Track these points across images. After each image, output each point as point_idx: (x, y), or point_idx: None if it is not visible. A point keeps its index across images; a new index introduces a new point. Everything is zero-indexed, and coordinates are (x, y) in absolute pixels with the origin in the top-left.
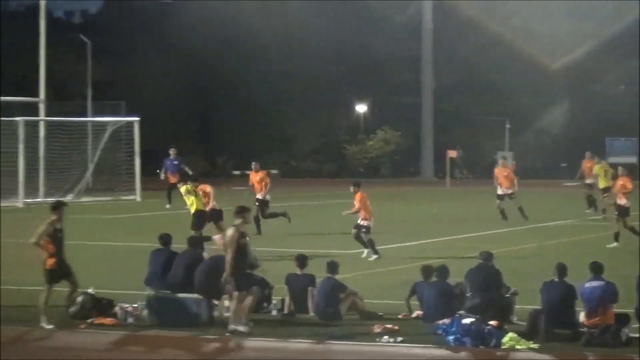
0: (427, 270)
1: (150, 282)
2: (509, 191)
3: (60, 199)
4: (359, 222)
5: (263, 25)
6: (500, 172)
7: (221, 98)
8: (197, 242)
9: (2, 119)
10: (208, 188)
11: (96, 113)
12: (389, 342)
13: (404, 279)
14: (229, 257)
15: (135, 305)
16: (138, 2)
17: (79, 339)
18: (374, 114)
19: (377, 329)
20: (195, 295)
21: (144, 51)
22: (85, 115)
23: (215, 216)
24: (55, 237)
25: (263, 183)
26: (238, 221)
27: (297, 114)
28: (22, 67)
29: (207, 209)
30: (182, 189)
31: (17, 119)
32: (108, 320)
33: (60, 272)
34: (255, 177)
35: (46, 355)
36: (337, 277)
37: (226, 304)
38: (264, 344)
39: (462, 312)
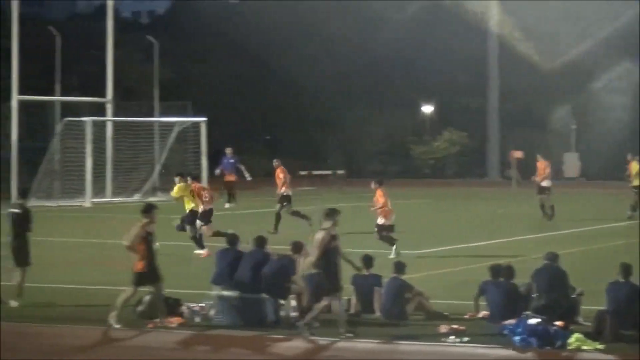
0: (495, 270)
1: (218, 281)
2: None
3: (127, 198)
4: (377, 221)
5: (329, 26)
6: (540, 165)
7: (287, 98)
8: (263, 242)
9: (70, 119)
10: (203, 190)
11: (163, 113)
12: (455, 342)
13: (470, 279)
14: (311, 259)
15: (203, 304)
16: (205, 2)
17: (147, 338)
18: (439, 114)
19: (443, 329)
20: (262, 295)
21: (210, 52)
22: (152, 116)
23: (205, 217)
24: (147, 240)
25: (283, 179)
26: (328, 224)
27: (363, 115)
28: (90, 67)
29: (204, 208)
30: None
31: (85, 119)
32: (175, 320)
33: (148, 276)
34: (277, 173)
35: (114, 354)
36: (404, 277)
37: (292, 304)
38: (330, 344)
39: (528, 312)
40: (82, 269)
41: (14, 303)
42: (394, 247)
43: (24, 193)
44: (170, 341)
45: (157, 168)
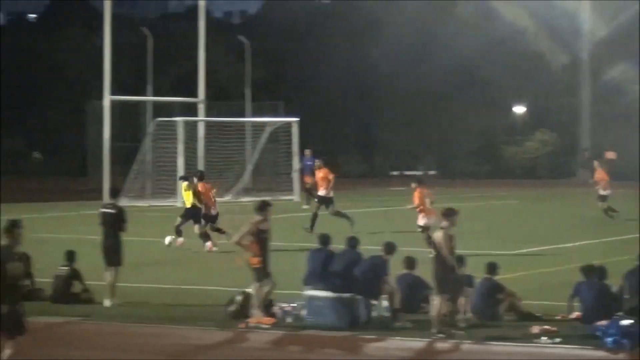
0: (587, 270)
1: (309, 281)
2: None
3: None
4: (418, 222)
5: (422, 26)
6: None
7: (379, 98)
8: (355, 242)
9: (162, 119)
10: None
11: (255, 113)
12: (547, 343)
13: (562, 280)
14: (449, 260)
15: (294, 304)
16: (297, 2)
17: (238, 338)
18: (531, 115)
19: (535, 329)
20: (354, 295)
21: (302, 51)
22: (243, 116)
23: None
24: (259, 237)
25: (326, 180)
26: (445, 223)
27: (455, 115)
28: (182, 67)
29: (209, 212)
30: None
31: (177, 119)
32: (267, 320)
33: (264, 272)
34: (318, 174)
35: (205, 354)
36: (496, 277)
37: (384, 304)
38: (420, 344)
39: (620, 313)
40: (174, 268)
41: (107, 303)
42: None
43: (115, 193)
44: (261, 341)
45: (249, 168)
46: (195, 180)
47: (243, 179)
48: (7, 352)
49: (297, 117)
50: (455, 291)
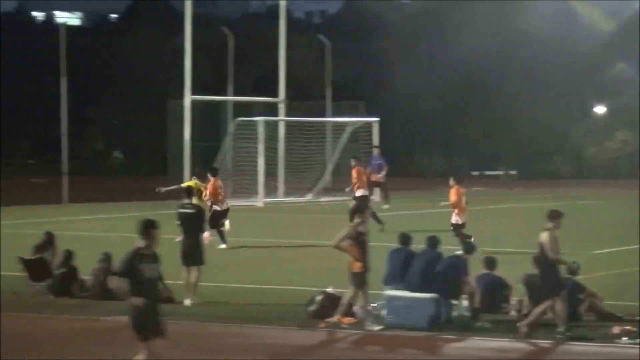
0: None
1: (389, 281)
2: None
3: (299, 198)
4: (451, 220)
5: (501, 26)
6: None
7: (461, 98)
8: (436, 242)
9: (243, 119)
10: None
11: (335, 113)
12: (627, 343)
13: None
14: (554, 261)
15: (375, 304)
16: (377, 2)
17: (319, 337)
18: (612, 115)
19: (616, 330)
20: (434, 295)
21: (382, 51)
22: (324, 116)
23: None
24: (359, 240)
25: (356, 180)
26: (550, 225)
27: (535, 115)
28: (262, 67)
29: (218, 208)
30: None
31: (257, 118)
32: (347, 319)
33: (364, 278)
34: (353, 174)
35: (284, 354)
36: (577, 278)
37: (464, 304)
38: (502, 344)
39: None
40: (254, 268)
41: (187, 302)
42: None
43: (191, 192)
44: (342, 341)
45: (329, 168)
46: (209, 175)
47: (323, 179)
48: (140, 356)
49: (378, 117)
50: (557, 293)
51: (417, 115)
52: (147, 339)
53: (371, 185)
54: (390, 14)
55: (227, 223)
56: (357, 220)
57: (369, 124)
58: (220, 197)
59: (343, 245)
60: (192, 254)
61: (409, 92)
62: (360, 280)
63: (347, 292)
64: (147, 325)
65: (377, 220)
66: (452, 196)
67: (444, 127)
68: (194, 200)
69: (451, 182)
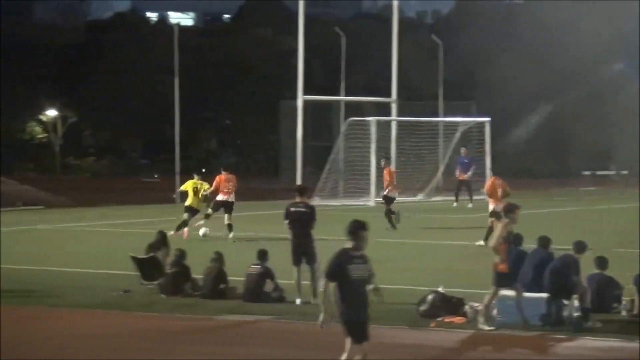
0: None
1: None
2: None
3: (410, 198)
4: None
5: (613, 25)
6: None
7: (574, 98)
8: (547, 242)
9: (355, 118)
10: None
11: (447, 113)
12: None
13: None
14: None
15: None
16: (489, 2)
17: (429, 337)
18: None
19: None
20: (546, 295)
21: (494, 52)
22: (436, 116)
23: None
24: (508, 240)
25: (388, 180)
26: (505, 219)
27: None
28: (374, 67)
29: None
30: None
31: (370, 118)
32: (458, 319)
33: (509, 277)
34: (385, 174)
35: (396, 353)
36: None
37: (575, 304)
38: (611, 344)
39: None
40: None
41: (299, 301)
42: None
43: (303, 191)
44: (452, 340)
45: (441, 168)
46: (222, 172)
47: (435, 179)
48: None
49: (488, 117)
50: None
51: (527, 115)
52: (358, 342)
53: (459, 185)
54: (502, 14)
55: (226, 217)
56: (506, 219)
57: (481, 124)
58: (226, 190)
59: (498, 246)
60: (304, 253)
61: (521, 93)
62: (504, 281)
63: (486, 294)
64: (357, 328)
65: (391, 222)
66: (487, 187)
67: (555, 127)
68: (191, 200)
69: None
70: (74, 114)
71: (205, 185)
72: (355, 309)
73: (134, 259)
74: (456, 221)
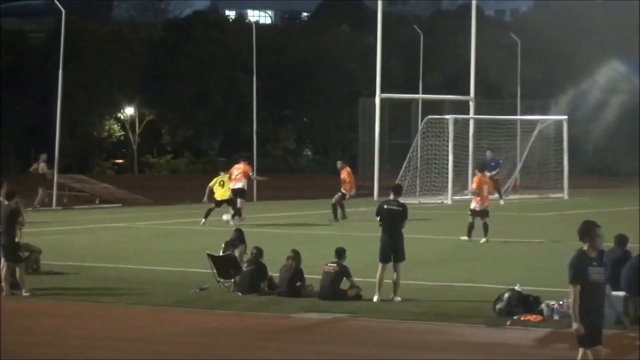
0: None
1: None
2: None
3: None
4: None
5: None
6: None
7: None
8: (624, 240)
9: (432, 116)
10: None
11: (524, 112)
12: None
13: None
14: None
15: (561, 301)
16: (567, 2)
17: (506, 335)
18: None
19: None
20: (622, 293)
21: (573, 50)
22: (514, 114)
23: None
24: None
25: (347, 180)
26: None
27: None
28: (453, 65)
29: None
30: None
31: (447, 116)
32: (534, 317)
33: None
34: (341, 174)
35: (473, 351)
36: None
37: None
38: None
39: None
40: (441, 265)
41: (377, 298)
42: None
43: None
44: (528, 338)
45: (519, 166)
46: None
47: (513, 177)
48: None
49: (565, 116)
50: None
51: (605, 113)
52: (591, 346)
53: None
54: (580, 12)
55: (239, 201)
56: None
57: (559, 122)
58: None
59: None
60: (393, 251)
61: (597, 90)
62: None
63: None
64: (593, 333)
65: (335, 214)
66: (473, 184)
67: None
68: (220, 193)
69: (476, 171)
70: (152, 112)
71: (226, 177)
72: (593, 313)
73: (211, 256)
74: (526, 219)
